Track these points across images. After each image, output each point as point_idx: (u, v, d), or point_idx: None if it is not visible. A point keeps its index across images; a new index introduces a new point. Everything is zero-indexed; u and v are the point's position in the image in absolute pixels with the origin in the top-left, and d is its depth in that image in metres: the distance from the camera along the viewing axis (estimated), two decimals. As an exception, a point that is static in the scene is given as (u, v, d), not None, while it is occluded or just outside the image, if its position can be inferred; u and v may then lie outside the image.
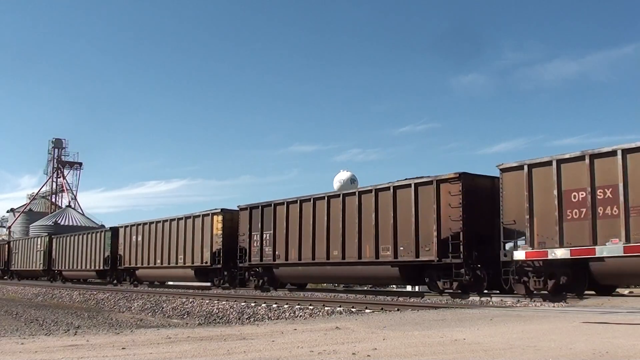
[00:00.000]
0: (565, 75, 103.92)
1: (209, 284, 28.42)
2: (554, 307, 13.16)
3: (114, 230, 35.75)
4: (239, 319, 16.91)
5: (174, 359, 5.80)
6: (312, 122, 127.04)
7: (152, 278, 33.82)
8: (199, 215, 27.96)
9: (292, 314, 16.05)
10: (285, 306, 16.98)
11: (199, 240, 27.67)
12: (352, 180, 30.37)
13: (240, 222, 25.27)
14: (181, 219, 29.30)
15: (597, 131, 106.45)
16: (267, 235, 24.76)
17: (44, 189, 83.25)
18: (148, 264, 31.70)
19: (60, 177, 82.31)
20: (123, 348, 6.54)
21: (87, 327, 15.67)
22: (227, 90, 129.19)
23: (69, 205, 77.70)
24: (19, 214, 77.90)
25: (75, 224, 64.21)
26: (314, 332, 8.03)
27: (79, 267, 39.65)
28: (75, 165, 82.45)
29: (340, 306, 15.94)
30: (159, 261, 30.74)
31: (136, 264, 32.69)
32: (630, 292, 18.89)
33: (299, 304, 16.95)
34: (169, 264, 29.81)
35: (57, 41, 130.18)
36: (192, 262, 28.00)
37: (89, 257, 37.84)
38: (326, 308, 15.92)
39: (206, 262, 27.06)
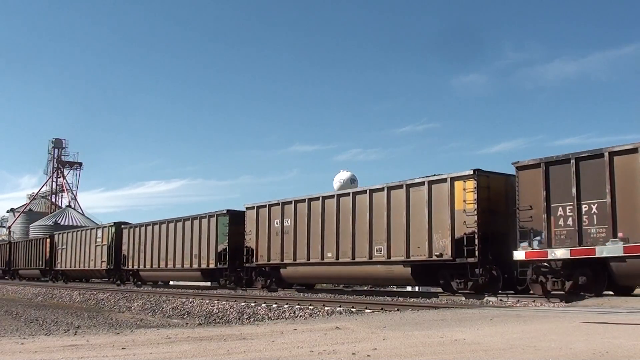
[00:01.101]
0: (566, 75, 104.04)
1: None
2: (554, 307, 13.16)
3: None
4: (239, 319, 16.91)
5: (174, 359, 5.80)
6: (312, 122, 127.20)
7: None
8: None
9: (292, 314, 16.04)
10: (285, 306, 16.98)
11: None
12: (352, 180, 30.36)
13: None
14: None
15: (598, 131, 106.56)
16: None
17: (44, 189, 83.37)
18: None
19: (60, 177, 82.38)
20: (123, 348, 6.54)
21: (87, 327, 15.67)
22: (228, 91, 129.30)
23: (69, 205, 77.78)
24: (19, 214, 77.94)
25: (75, 224, 64.24)
26: (314, 332, 8.03)
27: (174, 266, 29.64)
28: (75, 165, 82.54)
29: (340, 306, 15.94)
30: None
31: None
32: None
33: (299, 304, 16.95)
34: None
35: (57, 41, 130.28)
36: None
37: (194, 252, 28.32)
38: (326, 308, 15.91)
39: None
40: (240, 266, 25.42)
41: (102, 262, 35.53)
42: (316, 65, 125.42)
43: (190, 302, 20.60)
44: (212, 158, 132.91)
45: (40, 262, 44.61)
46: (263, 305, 17.70)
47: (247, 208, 25.08)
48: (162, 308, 21.14)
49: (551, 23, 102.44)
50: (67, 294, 30.02)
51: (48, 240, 43.98)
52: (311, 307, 16.27)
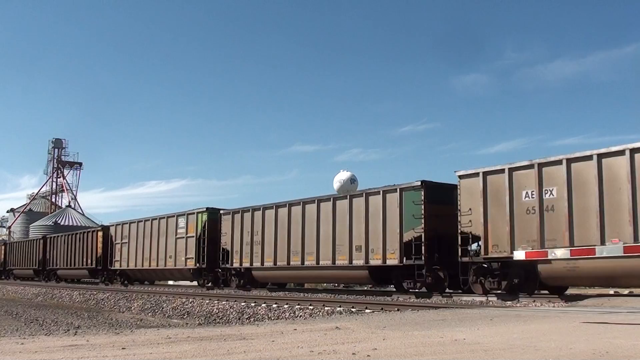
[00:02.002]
0: (566, 75, 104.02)
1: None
2: (554, 307, 13.16)
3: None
4: (239, 319, 16.92)
5: (174, 359, 5.80)
6: (312, 122, 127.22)
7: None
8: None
9: (292, 314, 16.05)
10: (285, 306, 16.99)
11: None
12: (352, 180, 30.30)
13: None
14: (163, 218, 30.35)
15: (598, 131, 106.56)
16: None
17: (44, 189, 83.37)
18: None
19: (60, 177, 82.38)
20: (123, 348, 6.54)
21: (87, 327, 15.67)
22: (228, 91, 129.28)
23: (69, 205, 77.76)
24: (19, 214, 77.93)
25: (75, 224, 64.24)
26: (314, 332, 8.03)
27: (318, 262, 21.82)
28: (75, 165, 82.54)
29: (340, 306, 15.95)
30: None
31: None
32: (630, 292, 18.90)
33: (299, 304, 16.96)
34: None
35: (57, 41, 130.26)
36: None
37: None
38: (326, 308, 15.92)
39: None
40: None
41: (187, 259, 27.86)
42: (316, 65, 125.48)
43: (190, 302, 20.61)
44: (212, 158, 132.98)
45: (90, 261, 36.40)
46: (263, 305, 17.71)
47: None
48: (162, 308, 21.14)
49: (551, 23, 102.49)
50: (67, 294, 30.03)
51: (100, 233, 35.78)
52: (311, 307, 16.27)
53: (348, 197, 20.91)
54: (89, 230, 39.37)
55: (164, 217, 30.54)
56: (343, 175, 30.79)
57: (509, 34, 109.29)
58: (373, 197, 19.89)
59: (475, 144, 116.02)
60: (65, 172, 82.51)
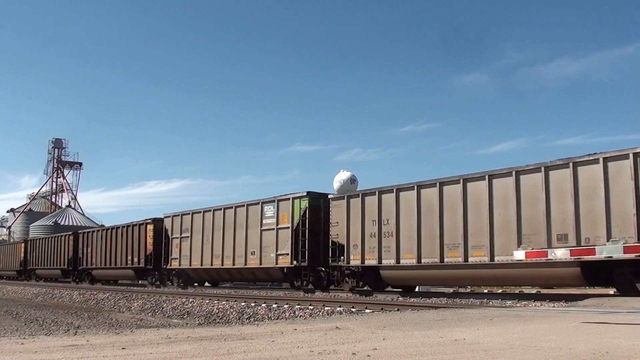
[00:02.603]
0: (567, 75, 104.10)
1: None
2: (554, 307, 13.16)
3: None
4: (239, 319, 16.92)
5: (174, 359, 5.80)
6: (313, 122, 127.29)
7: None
8: (135, 225, 32.55)
9: (292, 314, 16.05)
10: (285, 306, 16.99)
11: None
12: (352, 180, 30.27)
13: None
14: (241, 206, 25.97)
15: (598, 131, 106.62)
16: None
17: (44, 189, 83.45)
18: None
19: (60, 177, 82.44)
20: (123, 348, 6.54)
21: (87, 327, 15.68)
22: (228, 90, 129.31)
23: (69, 205, 77.83)
24: (19, 214, 77.97)
25: (75, 224, 64.27)
26: (314, 332, 8.03)
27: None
28: (75, 165, 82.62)
29: (340, 306, 15.95)
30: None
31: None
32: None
33: (299, 304, 16.97)
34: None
35: (57, 41, 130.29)
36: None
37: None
38: (326, 308, 15.92)
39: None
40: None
41: (278, 256, 23.34)
42: (317, 65, 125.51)
43: (190, 302, 20.61)
44: (213, 158, 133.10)
45: (137, 259, 32.21)
46: (263, 305, 17.72)
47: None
48: (162, 308, 21.14)
49: (552, 23, 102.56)
50: (67, 294, 30.03)
51: (150, 227, 31.48)
52: (311, 307, 16.28)
53: (487, 177, 16.99)
54: (135, 223, 32.96)
55: (242, 205, 25.59)
56: (343, 175, 30.76)
57: (509, 33, 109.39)
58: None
59: (476, 144, 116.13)
60: (65, 172, 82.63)
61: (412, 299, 17.65)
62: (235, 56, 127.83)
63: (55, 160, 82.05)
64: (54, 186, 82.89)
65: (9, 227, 77.89)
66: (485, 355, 5.69)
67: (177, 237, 29.27)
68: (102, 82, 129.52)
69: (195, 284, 29.46)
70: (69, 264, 40.52)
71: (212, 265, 26.75)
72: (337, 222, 21.54)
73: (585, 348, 5.94)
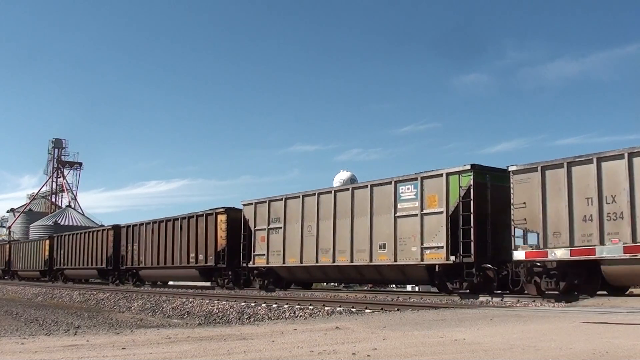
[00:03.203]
0: (567, 74, 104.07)
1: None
2: (554, 307, 13.15)
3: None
4: (239, 319, 16.92)
5: (174, 359, 5.80)
6: (313, 122, 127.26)
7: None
8: (202, 215, 29.31)
9: (292, 314, 16.05)
10: (285, 306, 16.98)
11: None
12: (352, 180, 30.32)
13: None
14: (361, 187, 20.86)
15: (599, 131, 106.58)
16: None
17: (44, 189, 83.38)
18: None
19: (60, 177, 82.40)
20: (123, 348, 6.53)
21: (87, 327, 15.67)
22: (228, 90, 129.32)
23: (69, 205, 77.77)
24: (19, 214, 77.94)
25: (75, 224, 64.23)
26: (314, 332, 8.03)
27: None
28: (75, 165, 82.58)
29: (340, 306, 15.94)
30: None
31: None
32: (630, 292, 18.86)
33: (299, 304, 16.96)
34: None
35: (57, 41, 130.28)
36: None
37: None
38: (326, 308, 15.91)
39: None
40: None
41: (424, 249, 17.91)
42: (317, 65, 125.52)
43: (190, 302, 20.60)
44: (213, 158, 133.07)
45: (202, 257, 27.10)
46: (263, 305, 17.71)
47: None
48: (162, 308, 21.14)
49: (552, 22, 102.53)
50: (67, 294, 30.01)
51: (221, 217, 25.99)
52: (311, 307, 16.27)
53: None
54: (202, 213, 27.34)
55: (362, 187, 20.06)
56: (343, 175, 30.84)
57: (509, 33, 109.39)
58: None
59: (476, 144, 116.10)
60: (65, 172, 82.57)
61: (412, 299, 17.64)
62: (235, 56, 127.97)
63: (55, 160, 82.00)
64: (54, 186, 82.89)
65: (9, 227, 77.85)
66: (485, 355, 5.68)
67: (264, 229, 23.67)
68: (102, 82, 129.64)
69: (291, 286, 25.28)
70: (108, 263, 35.37)
71: (316, 262, 21.23)
72: (523, 203, 16.03)
73: (585, 348, 5.94)
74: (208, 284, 28.67)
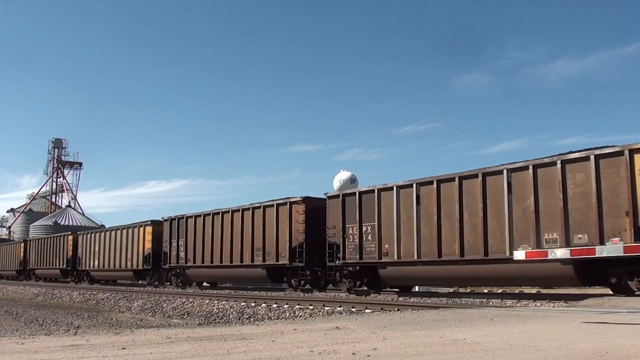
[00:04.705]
0: (568, 74, 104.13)
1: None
2: (554, 307, 13.16)
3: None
4: (239, 319, 16.92)
5: (174, 359, 5.80)
6: (313, 122, 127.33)
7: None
8: (135, 227, 32.81)
9: (292, 314, 16.05)
10: (285, 306, 16.99)
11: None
12: (352, 180, 30.30)
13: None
14: (518, 169, 16.82)
15: (600, 130, 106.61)
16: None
17: (44, 189, 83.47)
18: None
19: (60, 177, 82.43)
20: (123, 348, 6.53)
21: (87, 327, 15.68)
22: (229, 90, 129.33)
23: (69, 205, 77.83)
24: (19, 214, 77.96)
25: (75, 224, 64.26)
26: (314, 332, 8.03)
27: None
28: (75, 165, 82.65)
29: (340, 306, 15.95)
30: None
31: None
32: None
33: (299, 304, 16.96)
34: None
35: (57, 41, 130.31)
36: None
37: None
38: (326, 308, 15.92)
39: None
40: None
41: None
42: (317, 64, 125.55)
43: (190, 302, 20.61)
44: (213, 158, 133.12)
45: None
46: (263, 305, 17.71)
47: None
48: (162, 308, 21.14)
49: (553, 23, 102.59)
50: (67, 294, 30.02)
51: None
52: (311, 307, 16.27)
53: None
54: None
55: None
56: (343, 175, 30.78)
57: (510, 33, 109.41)
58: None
59: (477, 144, 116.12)
60: (65, 172, 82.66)
61: (412, 299, 17.65)
62: (236, 56, 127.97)
63: (55, 160, 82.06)
64: (54, 186, 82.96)
65: (9, 227, 77.88)
66: (485, 355, 5.68)
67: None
68: (102, 82, 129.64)
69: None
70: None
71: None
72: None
73: (585, 348, 5.94)
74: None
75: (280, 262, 22.97)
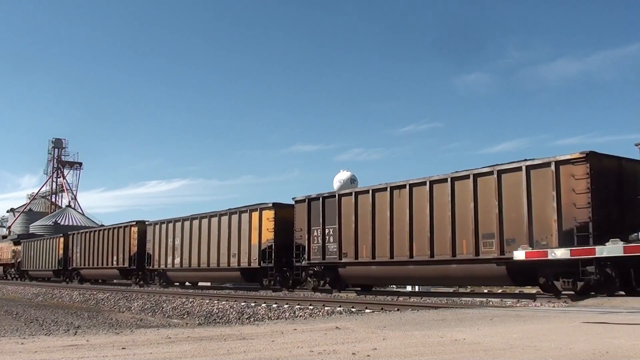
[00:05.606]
0: (569, 74, 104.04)
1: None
2: (554, 307, 13.16)
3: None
4: (239, 319, 16.92)
5: (174, 359, 5.80)
6: (313, 122, 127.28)
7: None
8: (121, 227, 32.07)
9: (292, 314, 16.05)
10: (285, 306, 16.99)
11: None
12: (352, 180, 30.30)
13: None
14: (224, 214, 25.56)
15: (600, 130, 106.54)
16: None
17: (44, 189, 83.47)
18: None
19: (60, 177, 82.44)
20: (123, 348, 6.53)
21: (87, 327, 15.68)
22: (229, 90, 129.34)
23: (69, 205, 77.82)
24: (19, 214, 77.95)
25: (75, 224, 64.25)
26: (314, 332, 8.03)
27: None
28: (75, 165, 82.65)
29: (340, 306, 15.95)
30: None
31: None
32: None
33: (299, 304, 16.96)
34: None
35: (57, 42, 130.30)
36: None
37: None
38: (326, 308, 15.92)
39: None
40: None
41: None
42: (318, 64, 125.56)
43: (190, 302, 20.61)
44: (213, 158, 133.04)
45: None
46: (263, 305, 17.71)
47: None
48: (162, 308, 21.14)
49: (554, 22, 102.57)
50: (67, 294, 30.02)
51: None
52: (311, 307, 16.27)
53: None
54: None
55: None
56: (343, 175, 30.78)
57: (511, 33, 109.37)
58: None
59: (478, 144, 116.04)
60: (65, 172, 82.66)
61: (412, 299, 17.66)
62: (236, 55, 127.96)
63: (55, 160, 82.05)
64: (54, 186, 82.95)
65: (9, 227, 77.85)
66: (485, 355, 5.68)
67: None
68: (102, 82, 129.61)
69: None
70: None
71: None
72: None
73: (585, 348, 5.94)
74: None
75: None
